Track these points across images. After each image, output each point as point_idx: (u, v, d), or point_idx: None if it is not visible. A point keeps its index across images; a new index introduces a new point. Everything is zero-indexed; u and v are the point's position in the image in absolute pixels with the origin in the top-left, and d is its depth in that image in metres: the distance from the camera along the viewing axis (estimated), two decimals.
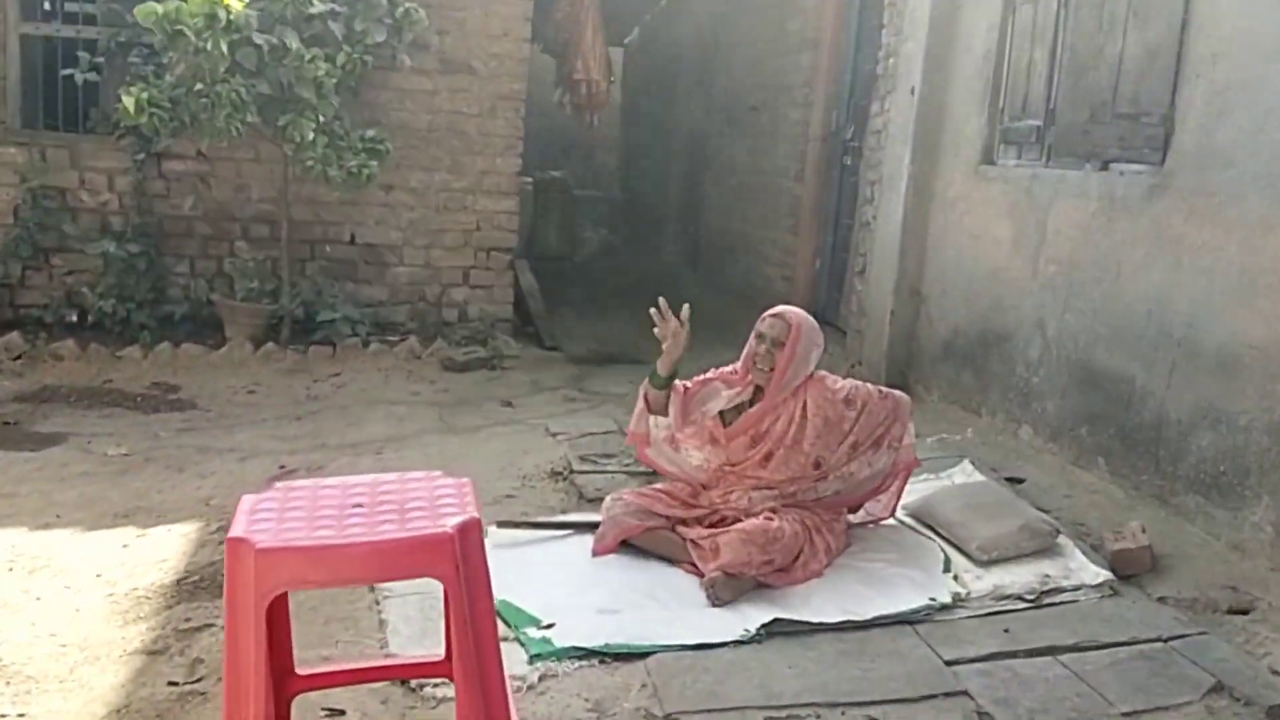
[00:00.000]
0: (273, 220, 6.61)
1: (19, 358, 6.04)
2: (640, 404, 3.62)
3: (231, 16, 5.46)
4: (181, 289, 6.69)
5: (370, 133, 6.30)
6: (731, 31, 9.16)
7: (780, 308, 3.61)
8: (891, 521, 3.79)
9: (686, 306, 3.50)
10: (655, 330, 3.44)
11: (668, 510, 3.52)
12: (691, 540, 3.40)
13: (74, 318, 6.49)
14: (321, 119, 5.96)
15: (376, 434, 5.22)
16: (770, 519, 3.30)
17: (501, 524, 3.74)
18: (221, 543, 3.80)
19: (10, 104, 6.44)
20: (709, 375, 3.62)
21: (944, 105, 5.33)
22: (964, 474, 4.28)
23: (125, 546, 3.74)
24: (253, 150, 6.56)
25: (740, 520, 3.37)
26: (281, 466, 4.70)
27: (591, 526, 3.63)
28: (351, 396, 5.93)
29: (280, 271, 6.55)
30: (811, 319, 3.62)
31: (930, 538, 3.67)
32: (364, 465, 4.65)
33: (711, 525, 3.45)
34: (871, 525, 3.76)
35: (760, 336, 3.51)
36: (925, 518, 3.78)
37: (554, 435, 4.98)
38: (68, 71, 6.18)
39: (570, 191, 12.67)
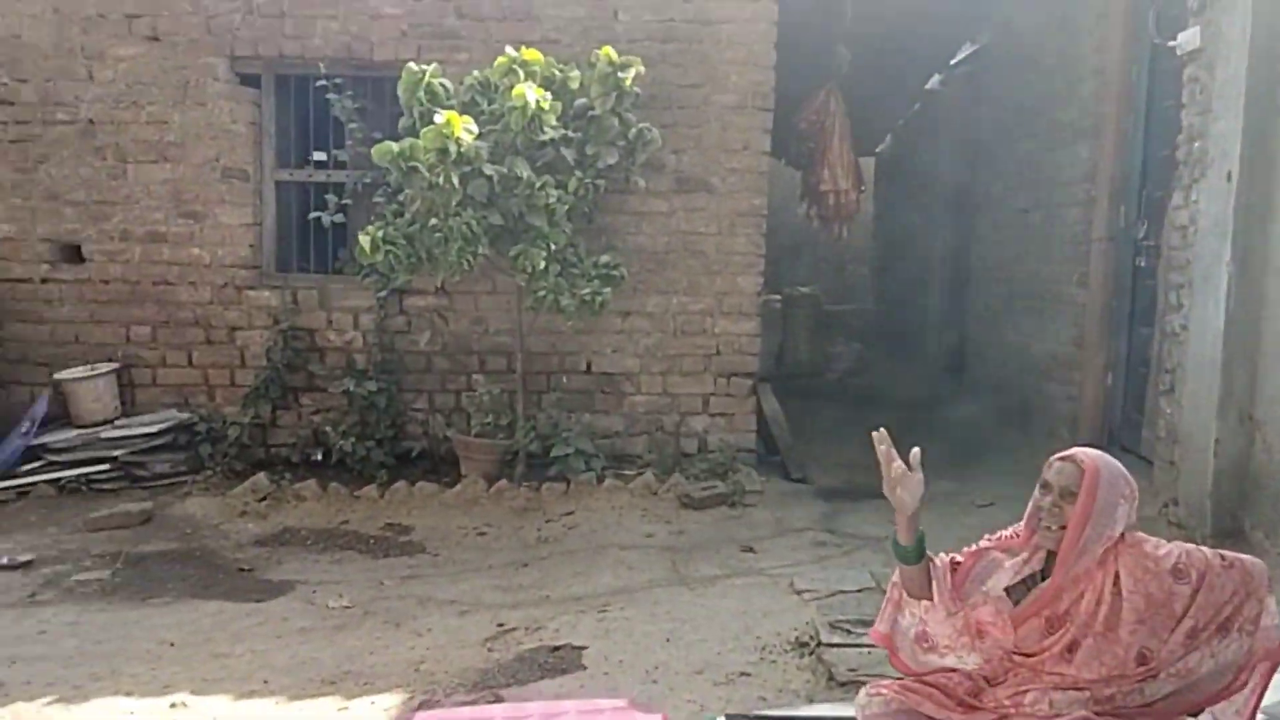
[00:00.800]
0: (509, 352, 6.43)
1: (264, 499, 6.05)
2: (892, 592, 2.87)
3: (462, 149, 5.36)
4: (420, 425, 6.60)
5: (604, 258, 6.03)
6: (994, 129, 8.41)
7: (1071, 450, 2.78)
8: None
9: (916, 451, 2.70)
10: (885, 487, 2.69)
11: (940, 713, 2.75)
12: None
13: (319, 457, 6.51)
14: (553, 247, 5.74)
15: (603, 585, 4.74)
16: None
17: (732, 718, 3.10)
18: None
19: (266, 249, 6.67)
20: (983, 544, 2.85)
21: (1271, 190, 4.37)
22: None
23: None
24: (489, 282, 6.45)
25: None
26: (499, 625, 4.29)
27: None
28: (582, 539, 5.50)
29: (515, 405, 6.32)
30: (1115, 463, 2.75)
31: None
32: (584, 626, 4.15)
33: None
34: None
35: (1046, 486, 2.71)
36: None
37: (799, 593, 4.31)
38: (315, 215, 6.31)
39: (820, 306, 12.11)
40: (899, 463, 2.68)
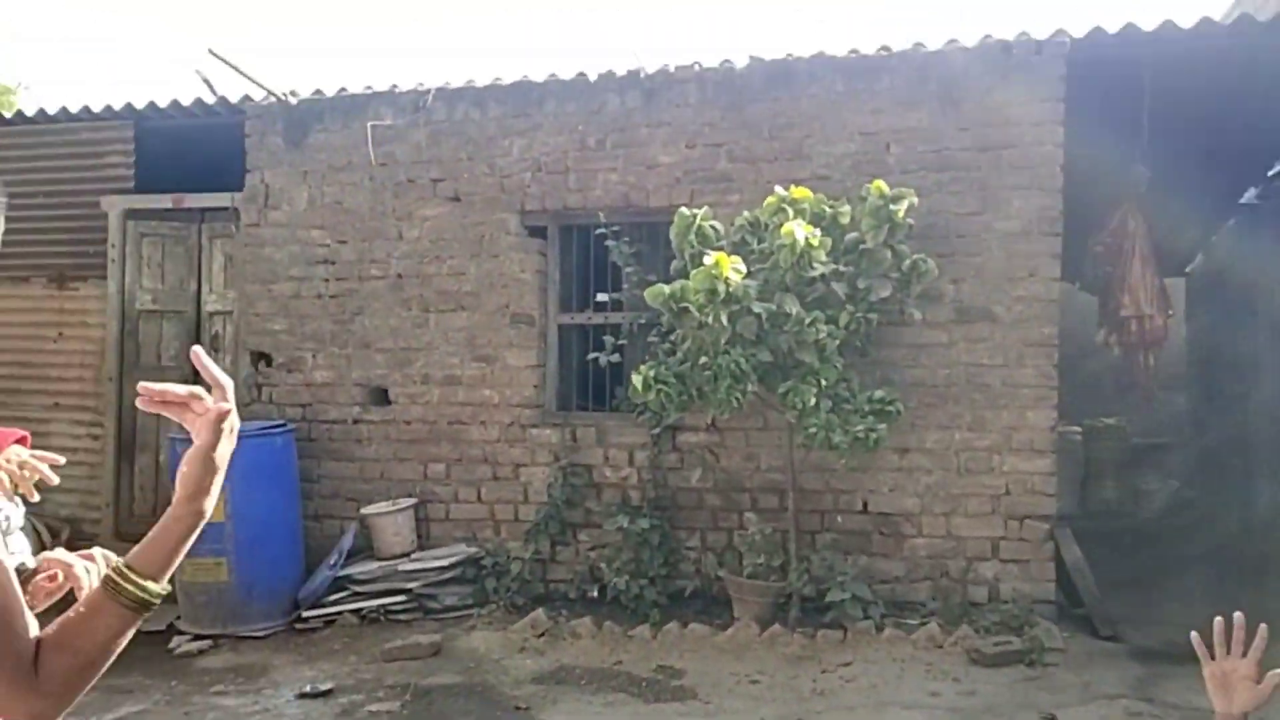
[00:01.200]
0: (781, 489, 6.27)
1: (542, 635, 6.14)
2: None
3: (730, 289, 5.39)
4: (692, 563, 6.53)
5: (878, 393, 5.80)
6: None
7: None
8: None
9: (1263, 630, 2.04)
10: (1208, 678, 2.07)
11: None
12: None
13: (595, 593, 6.57)
14: (824, 383, 5.59)
15: None
16: None
17: None
18: None
19: (548, 389, 6.96)
20: None
21: None
22: None
23: None
24: (760, 418, 6.37)
25: None
26: None
27: None
28: (860, 694, 5.14)
29: (788, 545, 6.11)
30: None
31: None
32: None
33: None
34: None
35: None
36: None
37: None
38: (593, 355, 6.53)
39: (1128, 439, 11.09)
40: (1238, 658, 2.04)
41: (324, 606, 6.58)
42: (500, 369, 6.93)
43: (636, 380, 5.73)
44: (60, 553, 1.69)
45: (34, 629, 1.27)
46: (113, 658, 1.32)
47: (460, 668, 5.80)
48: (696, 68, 6.69)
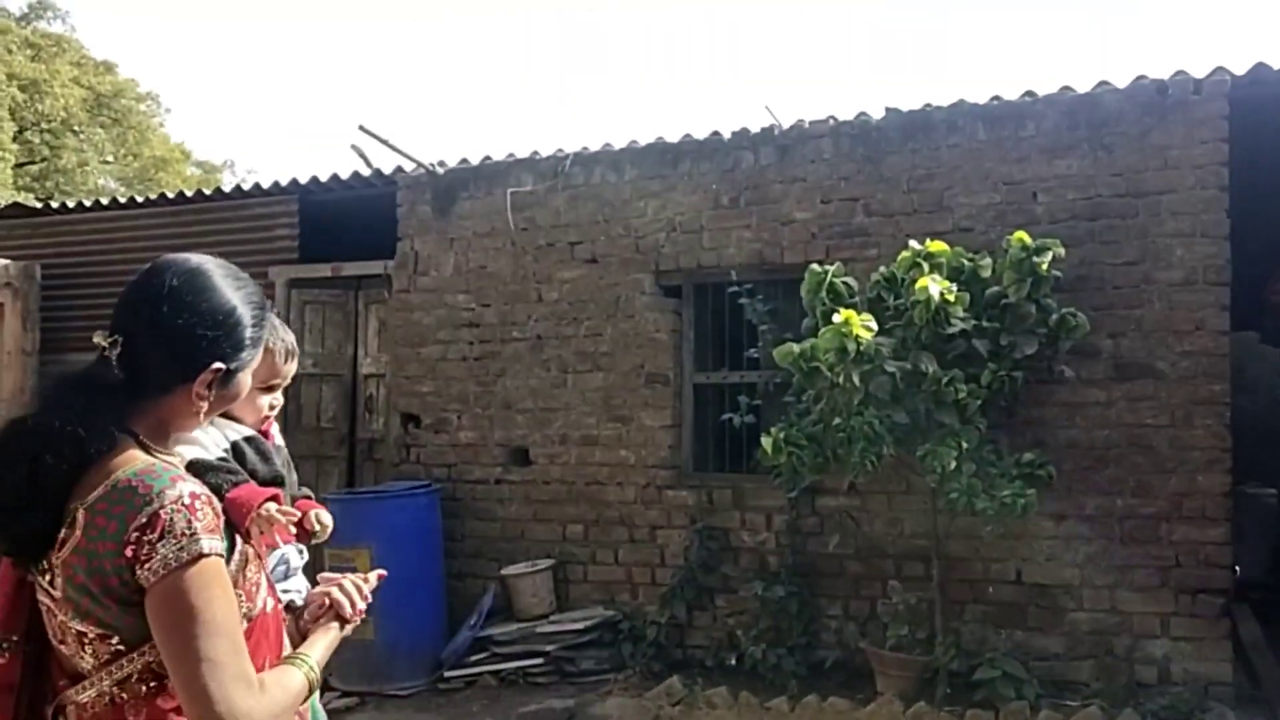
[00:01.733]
0: (926, 557, 5.96)
1: (678, 704, 6.00)
2: None
3: (861, 347, 5.20)
4: (833, 633, 6.27)
5: (1028, 456, 5.46)
6: None
7: None
8: None
9: None
10: None
11: None
12: None
13: (733, 661, 6.39)
14: (965, 445, 5.30)
15: None
16: None
17: None
18: None
19: (684, 449, 6.88)
20: None
21: None
22: None
23: None
24: (903, 481, 6.09)
25: None
26: None
27: None
28: None
29: (934, 616, 5.79)
30: None
31: None
32: None
33: None
34: None
35: None
36: None
37: None
38: (726, 415, 6.41)
39: None
40: None
41: (465, 667, 6.64)
42: (636, 429, 6.90)
43: (767, 443, 5.58)
44: (326, 576, 2.04)
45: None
46: (295, 709, 1.75)
47: None
48: (831, 121, 6.57)
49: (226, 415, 2.21)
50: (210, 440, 2.24)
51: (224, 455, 2.26)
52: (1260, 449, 11.31)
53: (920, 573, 6.05)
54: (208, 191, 8.77)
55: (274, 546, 2.23)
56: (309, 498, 2.53)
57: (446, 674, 6.63)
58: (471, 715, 6.15)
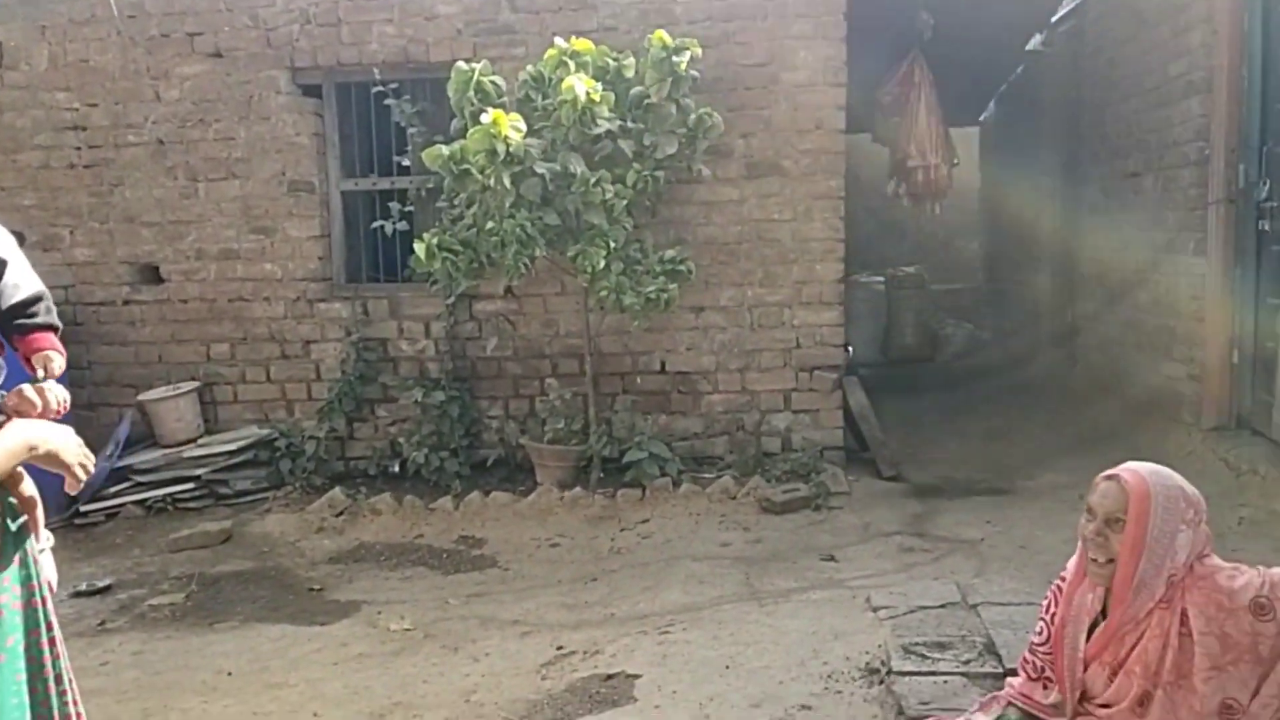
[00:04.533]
0: (581, 354, 6.21)
1: (341, 514, 5.99)
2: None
3: (511, 148, 5.15)
4: (495, 433, 6.45)
5: (669, 253, 5.75)
6: (1100, 89, 7.78)
7: (1119, 467, 2.35)
8: None
9: None
10: None
11: None
12: None
13: (396, 469, 6.43)
14: (614, 244, 5.49)
15: (671, 602, 4.47)
16: None
17: None
18: None
19: (335, 261, 6.62)
20: (1067, 577, 2.46)
21: None
22: None
23: None
24: (557, 283, 6.25)
25: None
26: (559, 648, 4.08)
27: None
28: (655, 550, 5.25)
29: (588, 409, 6.10)
30: (1172, 480, 2.27)
31: None
32: (643, 650, 3.90)
33: None
34: None
35: (1089, 513, 2.32)
36: None
37: (875, 610, 3.95)
38: (378, 223, 6.20)
39: (926, 286, 11.53)
40: None
41: (105, 499, 6.21)
42: (281, 241, 6.52)
43: (420, 249, 5.49)
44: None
45: None
46: None
47: (253, 553, 5.61)
48: None
49: None
50: None
51: None
52: (872, 242, 12.68)
53: (575, 370, 6.31)
54: None
55: None
56: None
57: (82, 508, 6.16)
58: (114, 548, 5.81)
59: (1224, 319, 5.81)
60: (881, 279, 11.77)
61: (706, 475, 6.01)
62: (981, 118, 11.93)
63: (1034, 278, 9.90)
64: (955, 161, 7.93)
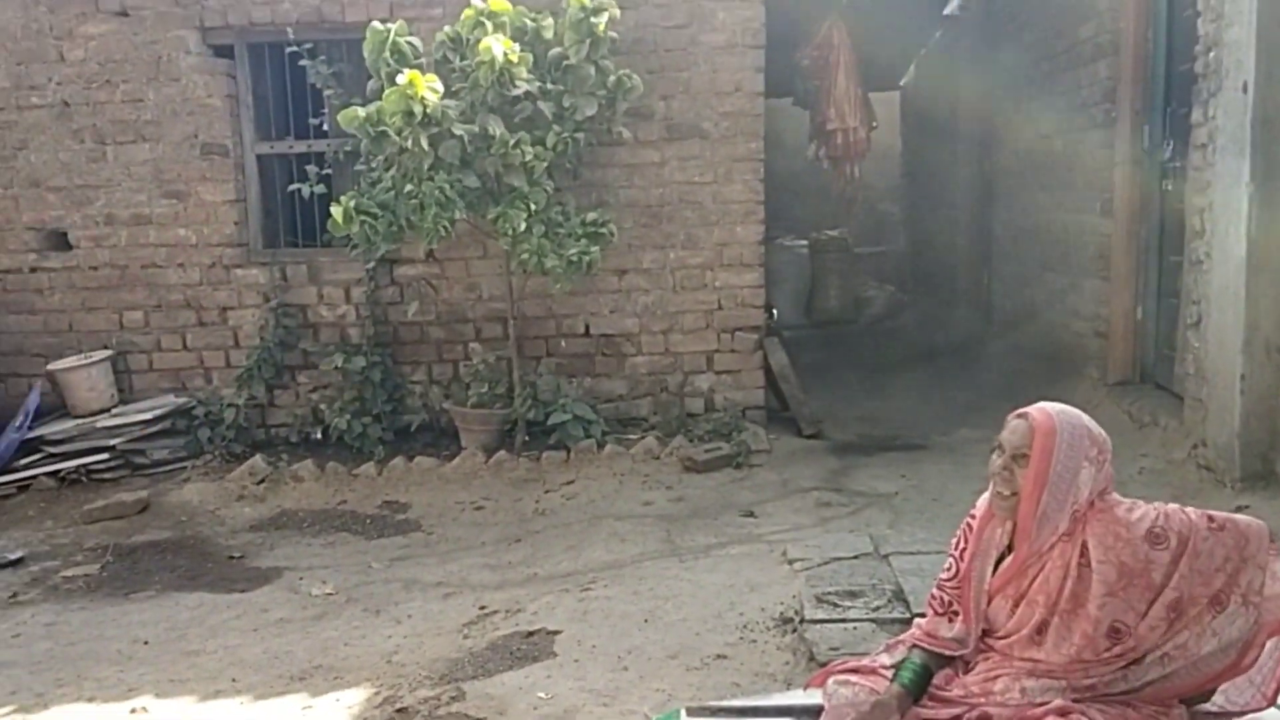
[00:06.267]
0: (504, 318, 6.20)
1: (262, 481, 5.93)
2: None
3: (428, 110, 5.10)
4: (418, 398, 6.42)
5: (591, 216, 5.75)
6: (1013, 52, 7.93)
7: (1030, 406, 2.45)
8: (1274, 714, 2.53)
9: None
10: None
11: None
12: None
13: (318, 435, 6.38)
14: (535, 207, 5.47)
15: (593, 560, 4.53)
16: None
17: (693, 712, 2.87)
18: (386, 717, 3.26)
19: (252, 225, 6.50)
20: (977, 514, 2.55)
21: None
22: None
23: None
24: (480, 247, 6.22)
25: None
26: (481, 608, 4.11)
27: (812, 714, 2.68)
28: (579, 510, 5.30)
29: (512, 373, 6.11)
30: (1079, 419, 2.38)
31: None
32: (564, 607, 3.95)
33: None
34: None
35: (998, 448, 2.42)
36: None
37: (791, 562, 4.06)
38: (294, 186, 6.10)
39: (849, 250, 11.71)
40: None
41: (15, 471, 6.06)
42: (195, 205, 6.38)
43: (337, 213, 5.42)
44: None
45: None
46: None
47: (170, 523, 5.54)
48: None
49: None
50: None
51: None
52: (794, 205, 12.80)
53: (499, 333, 6.30)
54: None
55: None
56: None
57: None
58: (26, 520, 5.69)
59: (1128, 278, 6.01)
60: (805, 243, 11.92)
61: (630, 436, 6.06)
62: (902, 82, 12.08)
63: (952, 240, 10.12)
64: (874, 125, 8.04)
